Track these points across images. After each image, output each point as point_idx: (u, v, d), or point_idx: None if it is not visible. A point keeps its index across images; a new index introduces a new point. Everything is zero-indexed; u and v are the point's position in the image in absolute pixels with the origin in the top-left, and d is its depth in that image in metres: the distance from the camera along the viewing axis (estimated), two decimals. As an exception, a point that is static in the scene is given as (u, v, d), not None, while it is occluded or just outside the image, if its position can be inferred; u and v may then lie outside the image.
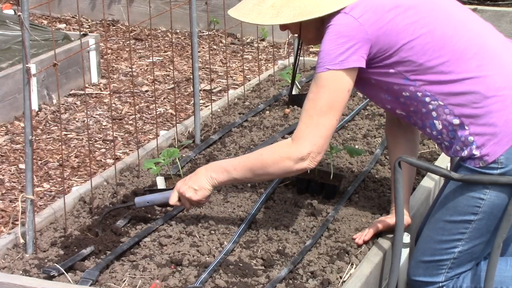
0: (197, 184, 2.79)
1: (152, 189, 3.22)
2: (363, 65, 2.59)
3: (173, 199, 2.86)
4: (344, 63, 2.56)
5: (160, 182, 3.21)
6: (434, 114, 2.65)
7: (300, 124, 2.65)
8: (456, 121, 2.62)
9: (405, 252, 2.81)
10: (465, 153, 2.63)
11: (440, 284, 2.76)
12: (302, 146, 2.62)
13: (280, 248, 2.85)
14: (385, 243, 2.88)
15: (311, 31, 2.75)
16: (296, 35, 2.83)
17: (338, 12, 2.58)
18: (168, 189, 3.02)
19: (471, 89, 2.58)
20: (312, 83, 2.64)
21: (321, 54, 2.59)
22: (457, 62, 2.59)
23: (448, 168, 3.19)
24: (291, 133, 3.94)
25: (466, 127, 2.61)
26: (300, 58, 4.95)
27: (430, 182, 3.33)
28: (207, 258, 2.79)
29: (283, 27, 2.77)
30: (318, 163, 2.66)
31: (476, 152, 2.60)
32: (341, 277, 2.69)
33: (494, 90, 2.58)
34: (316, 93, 2.61)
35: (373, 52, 2.59)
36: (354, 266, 2.75)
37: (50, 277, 2.65)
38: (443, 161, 3.43)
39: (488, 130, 2.58)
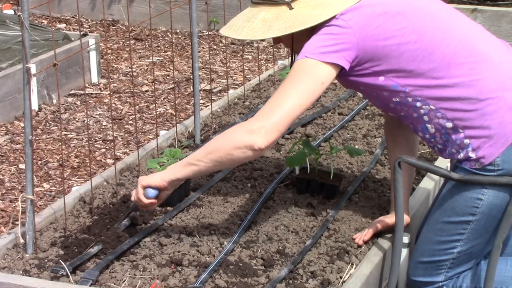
0: (152, 174, 2.74)
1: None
2: (344, 65, 2.56)
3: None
4: (322, 56, 2.54)
5: None
6: (426, 118, 2.65)
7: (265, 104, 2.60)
8: (449, 124, 2.62)
9: (405, 252, 2.81)
10: (461, 155, 2.63)
11: (440, 284, 2.76)
12: (256, 119, 2.53)
13: (280, 248, 2.85)
14: (385, 243, 2.88)
15: (303, 42, 2.75)
16: (289, 47, 2.82)
17: (328, 20, 2.59)
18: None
19: (464, 93, 2.58)
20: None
21: (304, 46, 2.59)
22: (449, 66, 2.58)
23: (448, 168, 3.19)
24: (291, 133, 3.95)
25: (460, 130, 2.61)
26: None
27: (430, 182, 3.33)
28: (207, 258, 2.79)
29: (276, 40, 2.77)
30: (269, 145, 2.51)
31: (472, 155, 2.60)
32: (341, 277, 2.69)
33: (488, 93, 2.58)
34: (288, 77, 2.57)
35: (359, 57, 2.58)
36: (354, 266, 2.75)
37: (58, 277, 2.65)
38: (443, 161, 3.43)
39: (483, 133, 2.58)
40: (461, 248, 2.70)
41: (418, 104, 2.63)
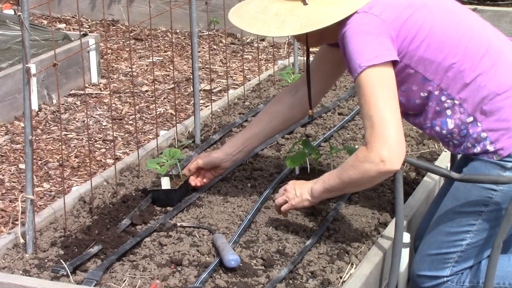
0: (299, 193, 2.80)
1: (157, 189, 3.21)
2: (397, 57, 2.56)
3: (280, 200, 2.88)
4: (380, 58, 2.51)
5: (165, 183, 3.20)
6: (448, 112, 2.66)
7: (366, 130, 2.54)
8: (470, 119, 2.64)
9: (405, 252, 2.81)
10: (477, 149, 2.64)
11: (445, 279, 2.76)
12: (377, 147, 2.50)
13: (280, 248, 2.85)
14: (385, 243, 2.88)
15: (314, 36, 2.75)
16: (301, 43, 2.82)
17: (349, 17, 2.58)
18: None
19: (485, 86, 2.61)
20: (356, 89, 2.58)
21: (353, 56, 2.54)
22: (471, 60, 2.61)
23: (448, 168, 3.19)
24: (290, 133, 3.94)
25: (479, 124, 2.62)
26: (300, 58, 4.96)
27: (430, 182, 3.33)
28: (207, 258, 2.79)
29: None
30: (403, 158, 2.52)
31: (490, 148, 2.61)
32: (341, 277, 2.69)
33: (506, 86, 2.61)
34: (364, 95, 2.53)
35: (395, 48, 2.59)
36: (354, 266, 2.75)
37: (58, 277, 2.65)
38: (443, 161, 3.43)
39: (501, 125, 2.60)
40: (471, 240, 2.70)
41: (443, 98, 2.64)
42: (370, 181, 2.60)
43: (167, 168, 3.23)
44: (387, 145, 2.48)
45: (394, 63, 2.57)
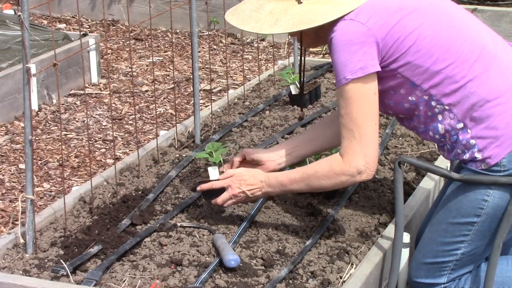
0: (251, 194, 2.87)
1: (206, 180, 3.05)
2: (379, 68, 2.58)
3: (222, 198, 2.92)
4: (364, 70, 2.54)
5: (213, 173, 3.05)
6: (439, 117, 2.65)
7: (343, 140, 2.62)
8: (460, 125, 2.62)
9: (405, 252, 2.81)
10: (466, 156, 2.62)
11: (442, 286, 2.75)
12: (355, 161, 2.60)
13: (280, 248, 2.85)
14: (385, 243, 2.88)
15: (309, 36, 2.75)
16: (295, 37, 2.83)
17: (339, 18, 2.58)
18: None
19: (474, 93, 2.58)
20: (338, 98, 2.62)
21: (338, 67, 2.57)
22: (462, 65, 2.58)
23: (448, 168, 3.19)
24: (290, 133, 3.95)
25: (469, 131, 2.60)
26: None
27: (430, 182, 3.33)
28: (207, 258, 2.79)
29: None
30: (375, 171, 2.66)
31: (478, 155, 2.59)
32: (341, 277, 2.69)
33: (496, 93, 2.58)
34: (346, 107, 2.59)
35: (381, 56, 2.58)
36: (354, 266, 2.75)
37: (58, 277, 2.65)
38: (443, 161, 3.43)
39: (490, 133, 2.58)
40: (465, 249, 2.69)
41: (433, 103, 2.63)
42: (341, 187, 2.82)
43: (220, 158, 3.10)
44: (365, 161, 2.60)
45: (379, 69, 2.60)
